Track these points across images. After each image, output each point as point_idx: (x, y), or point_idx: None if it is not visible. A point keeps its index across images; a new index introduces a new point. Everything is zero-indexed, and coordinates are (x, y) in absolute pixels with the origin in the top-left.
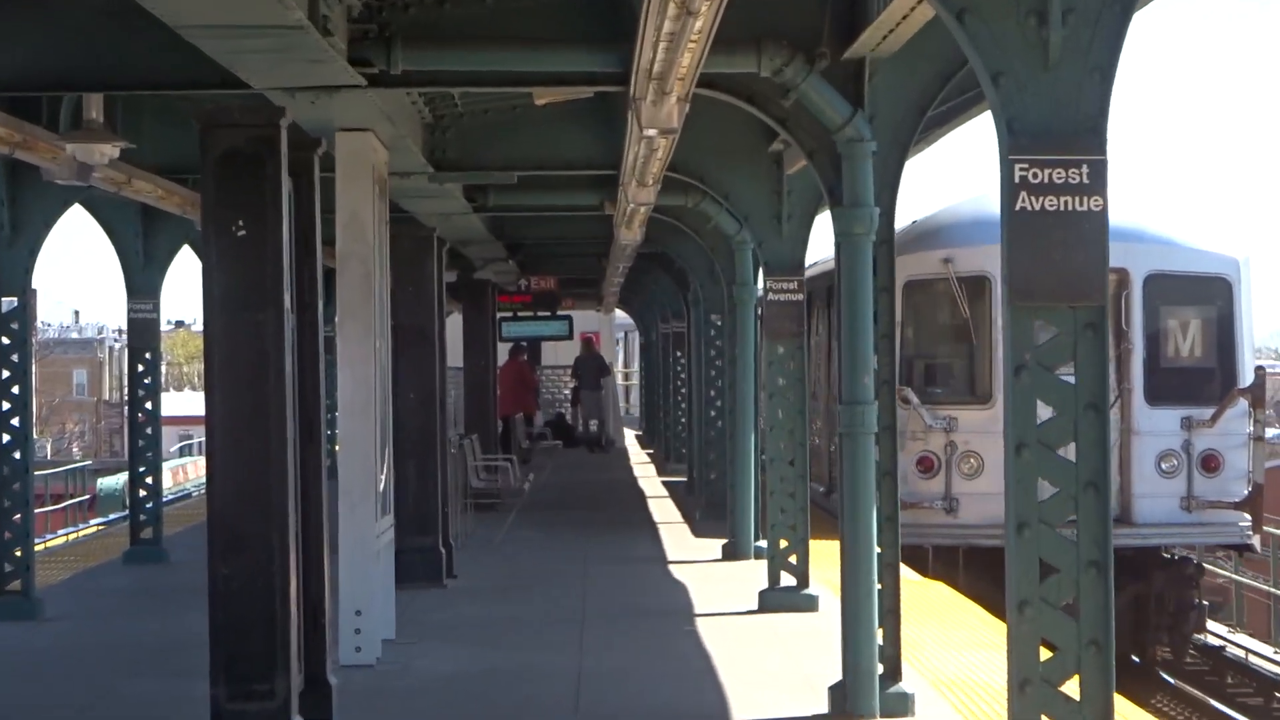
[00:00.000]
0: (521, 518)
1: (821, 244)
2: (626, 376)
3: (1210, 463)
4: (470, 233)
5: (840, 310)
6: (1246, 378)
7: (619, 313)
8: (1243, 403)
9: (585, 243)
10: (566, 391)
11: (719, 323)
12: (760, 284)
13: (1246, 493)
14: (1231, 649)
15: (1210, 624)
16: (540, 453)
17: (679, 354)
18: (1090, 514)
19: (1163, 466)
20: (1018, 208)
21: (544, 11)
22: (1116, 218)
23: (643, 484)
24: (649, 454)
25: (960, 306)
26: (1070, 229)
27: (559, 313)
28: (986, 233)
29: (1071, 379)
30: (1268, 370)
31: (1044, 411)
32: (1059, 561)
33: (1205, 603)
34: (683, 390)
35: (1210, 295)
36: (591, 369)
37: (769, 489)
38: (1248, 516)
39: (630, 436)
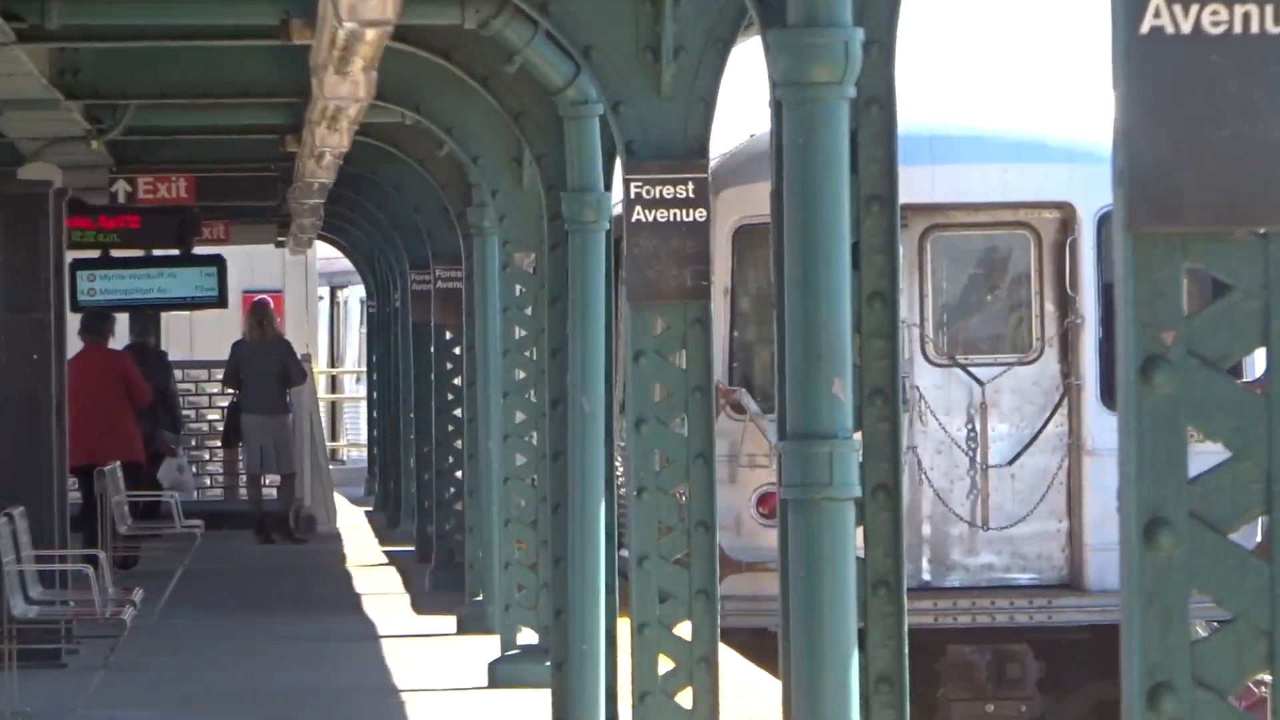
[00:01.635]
0: (118, 682)
1: (745, 109)
2: (354, 380)
3: None
4: (9, 83)
5: (784, 242)
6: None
7: (327, 250)
8: None
9: (253, 107)
10: (214, 417)
11: (532, 269)
12: (619, 189)
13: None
14: None
15: None
16: (162, 545)
17: (449, 335)
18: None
19: None
20: (1145, 30)
21: None
22: (1056, 128)
23: (372, 606)
24: (376, 520)
25: None
26: (1249, 75)
27: (198, 251)
28: None
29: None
30: None
31: (1200, 456)
32: None
33: None
34: (456, 411)
35: None
36: (266, 369)
37: (637, 621)
38: None
39: (345, 506)
